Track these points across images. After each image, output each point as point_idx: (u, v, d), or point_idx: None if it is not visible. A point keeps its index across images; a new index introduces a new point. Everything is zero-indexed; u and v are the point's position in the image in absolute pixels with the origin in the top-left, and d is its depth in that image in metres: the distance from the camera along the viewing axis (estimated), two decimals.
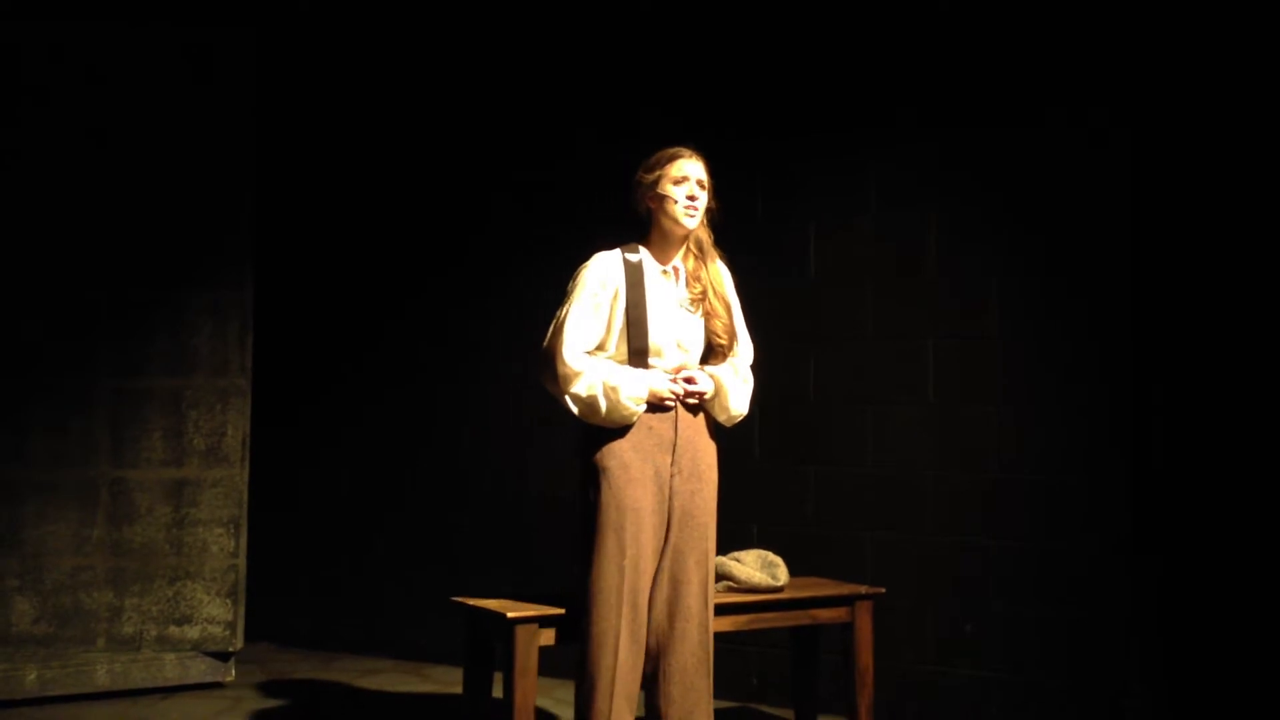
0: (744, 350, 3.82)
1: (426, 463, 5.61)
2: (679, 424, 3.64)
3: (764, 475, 4.86)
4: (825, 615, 4.11)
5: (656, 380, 3.60)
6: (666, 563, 3.60)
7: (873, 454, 4.66)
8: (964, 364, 4.51)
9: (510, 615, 3.61)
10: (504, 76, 5.48)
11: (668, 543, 3.60)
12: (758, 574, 4.05)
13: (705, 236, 3.74)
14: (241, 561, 5.10)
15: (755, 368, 3.83)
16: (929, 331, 4.58)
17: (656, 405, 3.60)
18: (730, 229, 3.99)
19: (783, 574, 4.09)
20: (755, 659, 4.69)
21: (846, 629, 4.11)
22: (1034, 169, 4.43)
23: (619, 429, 3.57)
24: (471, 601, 3.81)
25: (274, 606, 5.69)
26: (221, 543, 5.07)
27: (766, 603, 4.02)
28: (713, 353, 3.75)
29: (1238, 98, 4.10)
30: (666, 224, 3.66)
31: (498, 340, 5.37)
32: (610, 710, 3.48)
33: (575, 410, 3.58)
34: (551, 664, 3.79)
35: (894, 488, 4.61)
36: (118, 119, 5.06)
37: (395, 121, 5.73)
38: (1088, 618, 4.23)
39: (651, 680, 3.61)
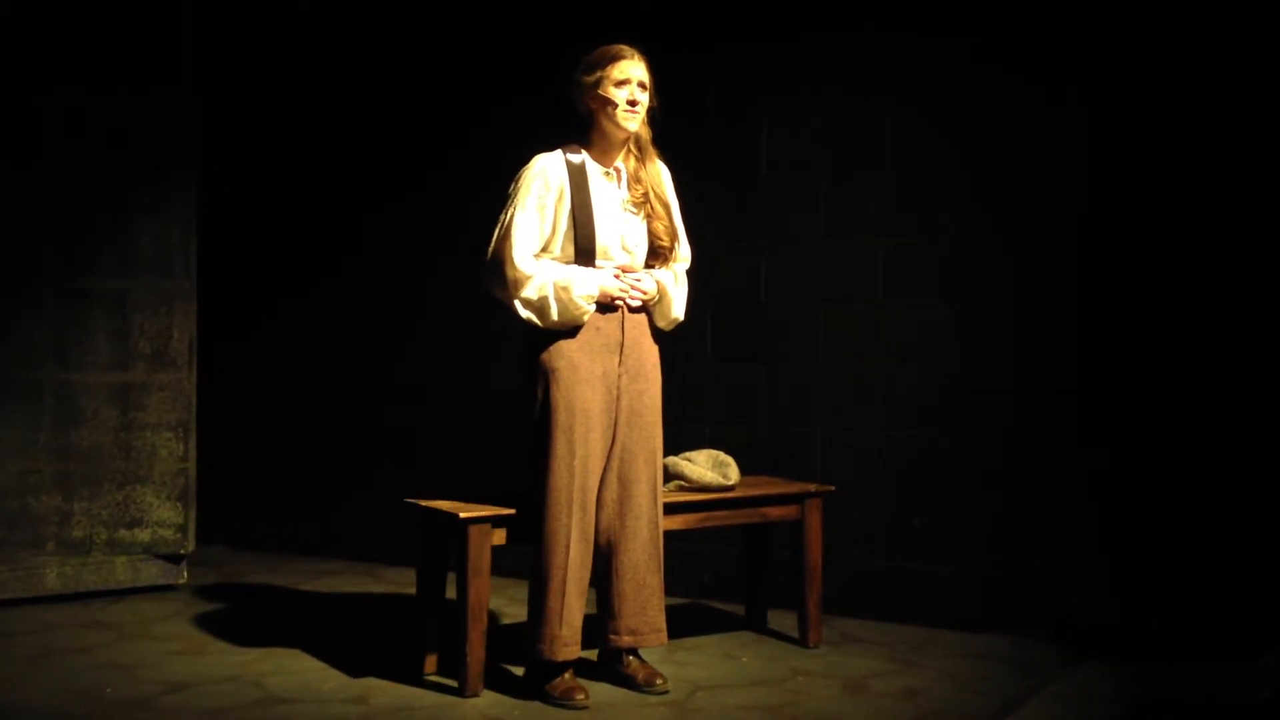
0: (683, 253, 3.84)
1: (378, 363, 5.57)
2: (625, 324, 3.65)
3: (715, 374, 4.87)
4: (775, 513, 4.16)
5: (606, 279, 3.60)
6: (615, 462, 3.64)
7: (823, 352, 4.68)
8: (913, 263, 4.51)
9: (463, 516, 3.63)
10: None
11: (615, 442, 3.64)
12: (709, 473, 4.08)
13: (645, 134, 3.70)
14: (191, 465, 5.06)
15: (697, 270, 3.84)
16: (880, 230, 4.57)
17: (604, 305, 3.61)
18: (682, 127, 3.97)
19: (734, 473, 4.12)
20: (707, 557, 4.75)
21: (797, 526, 4.17)
22: (986, 76, 4.40)
23: (567, 330, 3.57)
24: (424, 502, 3.82)
25: (228, 510, 5.68)
26: (170, 446, 5.03)
27: (718, 501, 4.06)
28: (654, 255, 3.74)
29: None
30: (607, 126, 3.62)
31: (448, 234, 5.28)
32: (562, 607, 3.55)
33: (525, 314, 3.56)
34: (505, 563, 3.81)
35: (844, 385, 4.64)
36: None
37: (348, 13, 5.59)
38: (1036, 511, 4.30)
39: (604, 578, 3.67)
